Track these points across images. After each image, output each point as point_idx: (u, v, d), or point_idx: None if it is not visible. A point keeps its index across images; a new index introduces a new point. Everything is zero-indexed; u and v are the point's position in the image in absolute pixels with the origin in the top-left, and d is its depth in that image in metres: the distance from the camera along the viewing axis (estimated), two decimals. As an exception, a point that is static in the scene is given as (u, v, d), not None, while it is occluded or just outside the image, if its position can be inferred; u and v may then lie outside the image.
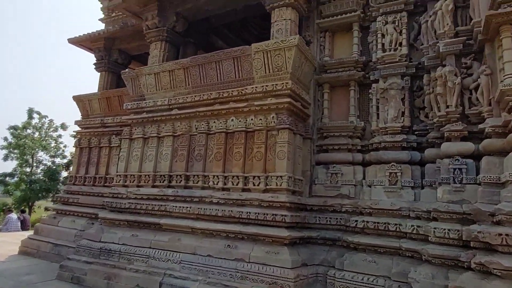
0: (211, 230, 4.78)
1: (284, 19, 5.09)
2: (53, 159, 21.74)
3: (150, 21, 6.23)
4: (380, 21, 4.96)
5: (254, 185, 4.73)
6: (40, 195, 20.35)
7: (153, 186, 5.57)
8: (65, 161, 21.76)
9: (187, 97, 5.54)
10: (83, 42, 7.90)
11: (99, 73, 8.05)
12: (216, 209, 4.80)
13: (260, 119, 4.87)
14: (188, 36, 6.72)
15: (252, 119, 4.94)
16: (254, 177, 4.75)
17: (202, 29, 6.98)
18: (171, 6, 6.19)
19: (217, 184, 5.00)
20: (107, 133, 7.26)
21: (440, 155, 4.04)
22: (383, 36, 4.93)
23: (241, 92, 5.04)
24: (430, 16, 4.54)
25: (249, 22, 7.64)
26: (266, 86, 4.84)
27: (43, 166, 21.52)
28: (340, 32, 5.46)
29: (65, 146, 22.11)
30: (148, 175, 5.63)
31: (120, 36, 7.61)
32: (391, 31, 4.84)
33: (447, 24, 4.17)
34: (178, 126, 5.60)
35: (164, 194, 5.31)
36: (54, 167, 21.36)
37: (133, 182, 5.77)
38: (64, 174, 21.45)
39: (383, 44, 4.91)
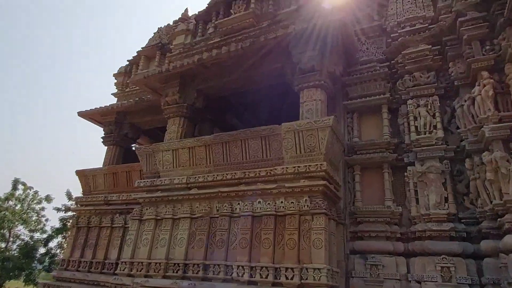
0: (237, 335, 4.04)
1: (314, 100, 5.01)
2: (32, 233, 20.24)
3: (170, 97, 6.12)
4: (411, 103, 4.93)
5: (286, 278, 4.14)
6: (12, 274, 18.46)
7: (165, 277, 4.87)
8: (44, 236, 20.26)
9: (208, 176, 5.17)
10: (93, 115, 7.71)
11: (106, 147, 7.72)
12: (242, 308, 4.13)
13: (292, 202, 4.47)
14: (206, 112, 6.61)
15: (282, 202, 4.54)
16: (286, 268, 4.18)
17: (219, 106, 6.91)
18: (192, 83, 6.16)
19: (242, 276, 4.38)
20: (110, 212, 6.67)
21: (502, 248, 3.65)
22: (415, 118, 4.86)
23: (270, 173, 4.72)
24: (465, 101, 4.52)
25: (263, 102, 7.66)
26: (298, 167, 4.55)
27: (20, 242, 19.90)
28: (367, 113, 5.40)
29: (46, 220, 20.80)
30: (159, 263, 4.97)
31: (133, 111, 7.47)
32: (424, 114, 4.79)
33: (489, 109, 4.11)
34: (197, 207, 5.13)
35: (178, 287, 4.62)
36: (32, 242, 19.78)
37: (140, 271, 5.06)
38: (42, 250, 19.83)
39: (416, 127, 4.81)
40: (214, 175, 5.14)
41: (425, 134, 4.71)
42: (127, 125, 7.77)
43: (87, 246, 6.62)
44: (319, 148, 4.57)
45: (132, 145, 8.14)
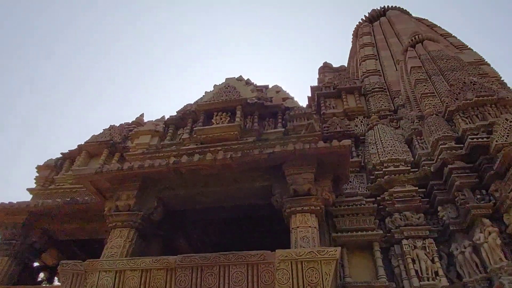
0: None
1: (309, 226, 4.38)
2: None
3: (123, 201, 4.88)
4: (407, 244, 4.59)
5: None
6: None
7: None
8: None
9: (166, 315, 3.74)
10: (-6, 212, 5.75)
11: (-4, 259, 5.54)
12: None
13: None
14: (159, 228, 5.37)
15: None
16: None
17: (173, 222, 5.75)
18: (154, 189, 5.10)
19: None
20: None
21: None
22: (413, 261, 4.46)
23: (259, 316, 3.58)
24: (465, 248, 4.35)
25: (223, 224, 6.73)
26: (299, 310, 3.55)
27: None
28: (356, 249, 4.87)
29: None
30: None
31: (55, 214, 5.77)
32: (424, 257, 4.45)
33: (500, 259, 3.96)
34: None
35: None
36: None
37: None
38: None
39: (416, 271, 4.37)
40: (176, 313, 3.74)
41: (428, 280, 4.26)
42: (38, 231, 5.91)
43: None
44: (322, 285, 3.74)
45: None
